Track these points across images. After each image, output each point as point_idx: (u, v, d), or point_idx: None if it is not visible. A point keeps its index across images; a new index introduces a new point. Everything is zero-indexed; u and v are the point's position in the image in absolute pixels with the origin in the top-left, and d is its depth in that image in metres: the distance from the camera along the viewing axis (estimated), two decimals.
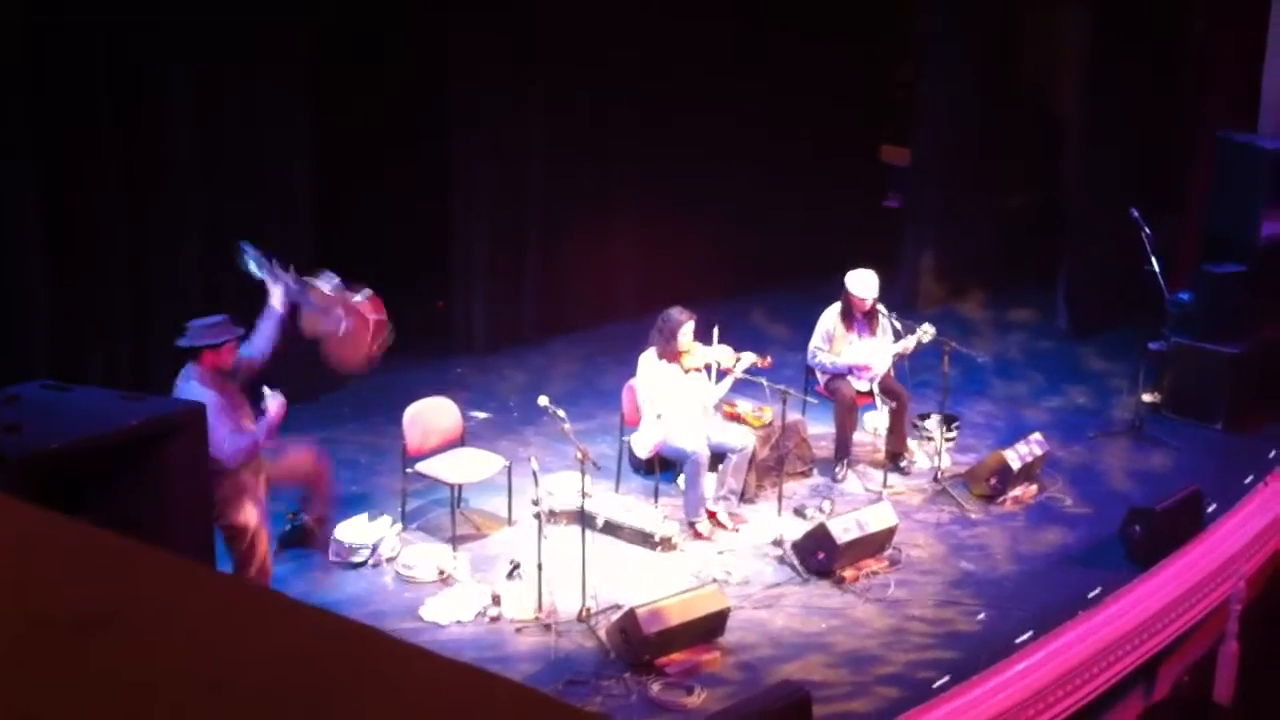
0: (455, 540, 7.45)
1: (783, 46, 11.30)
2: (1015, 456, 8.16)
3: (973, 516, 8.04)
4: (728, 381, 7.92)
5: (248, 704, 0.79)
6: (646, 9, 10.52)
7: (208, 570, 0.98)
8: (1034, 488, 8.33)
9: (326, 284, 6.49)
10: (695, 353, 7.86)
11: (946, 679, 6.36)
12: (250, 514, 6.31)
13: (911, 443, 8.68)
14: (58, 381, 5.31)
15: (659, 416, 7.74)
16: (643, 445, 7.89)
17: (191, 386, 6.12)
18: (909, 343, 8.41)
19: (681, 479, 7.96)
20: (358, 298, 6.50)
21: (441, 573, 7.16)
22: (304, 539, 7.32)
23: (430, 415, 7.88)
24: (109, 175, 8.05)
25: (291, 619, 0.92)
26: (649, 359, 7.86)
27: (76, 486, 4.80)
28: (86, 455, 4.88)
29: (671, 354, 7.78)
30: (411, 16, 9.92)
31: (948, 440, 8.65)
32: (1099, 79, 10.72)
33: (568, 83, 10.20)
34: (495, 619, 6.80)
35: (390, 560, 7.31)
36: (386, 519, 7.53)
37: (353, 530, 7.35)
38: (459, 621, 6.80)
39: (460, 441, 7.98)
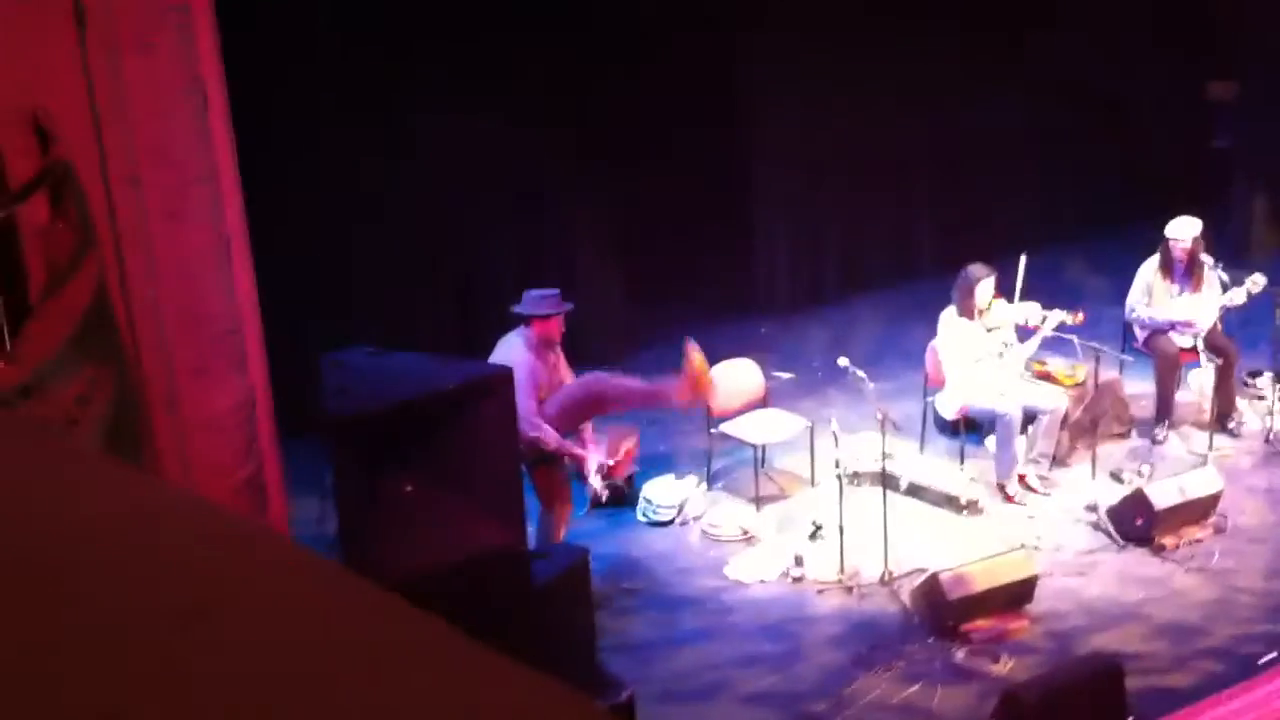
0: (759, 500, 7.55)
1: None
2: None
3: None
4: (1036, 340, 7.66)
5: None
6: None
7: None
8: None
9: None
10: (997, 310, 7.63)
11: (1274, 655, 6.02)
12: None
13: (1241, 402, 8.19)
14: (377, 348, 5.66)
15: (974, 364, 7.55)
16: (948, 406, 7.74)
17: (514, 345, 6.36)
18: (1237, 295, 7.91)
19: (990, 440, 7.77)
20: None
21: (745, 532, 7.28)
22: (613, 498, 7.56)
23: (735, 376, 7.96)
24: None
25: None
26: (949, 317, 7.69)
27: (397, 445, 5.11)
28: (407, 416, 5.19)
29: (969, 311, 7.58)
30: None
31: None
32: None
33: (862, 45, 9.95)
34: (798, 579, 6.85)
35: (696, 519, 7.47)
36: (693, 478, 7.70)
37: (660, 489, 7.55)
38: (763, 580, 6.90)
39: (764, 402, 8.04)
